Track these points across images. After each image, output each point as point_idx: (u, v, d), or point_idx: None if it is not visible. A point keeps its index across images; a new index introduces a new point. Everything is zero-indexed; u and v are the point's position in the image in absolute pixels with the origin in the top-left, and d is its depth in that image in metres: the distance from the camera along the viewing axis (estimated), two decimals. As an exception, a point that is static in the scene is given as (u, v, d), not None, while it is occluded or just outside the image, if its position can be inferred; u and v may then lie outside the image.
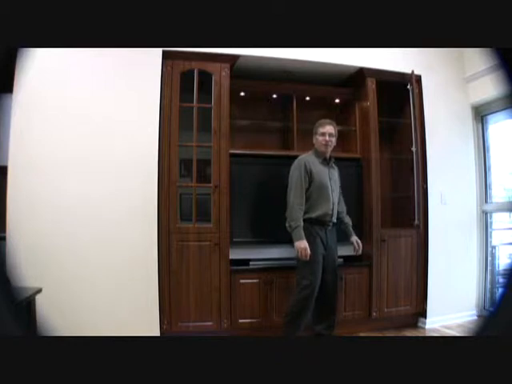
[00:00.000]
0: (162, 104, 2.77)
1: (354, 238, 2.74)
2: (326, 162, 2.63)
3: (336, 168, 2.73)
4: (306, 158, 2.58)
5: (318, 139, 2.61)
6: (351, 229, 2.78)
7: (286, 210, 2.52)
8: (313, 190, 2.54)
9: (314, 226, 2.52)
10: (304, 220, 2.49)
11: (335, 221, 2.63)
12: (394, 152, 3.48)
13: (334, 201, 2.60)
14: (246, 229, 2.99)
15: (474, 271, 3.43)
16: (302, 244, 2.42)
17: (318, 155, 2.62)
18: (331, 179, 2.62)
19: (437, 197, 3.29)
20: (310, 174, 2.53)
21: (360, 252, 2.77)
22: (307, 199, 2.53)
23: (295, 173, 2.54)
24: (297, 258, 2.51)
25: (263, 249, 3.00)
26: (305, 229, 2.47)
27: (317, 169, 2.57)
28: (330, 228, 2.59)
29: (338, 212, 2.69)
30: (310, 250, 2.44)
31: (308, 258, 2.42)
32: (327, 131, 2.59)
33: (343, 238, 2.77)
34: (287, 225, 2.50)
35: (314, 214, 2.52)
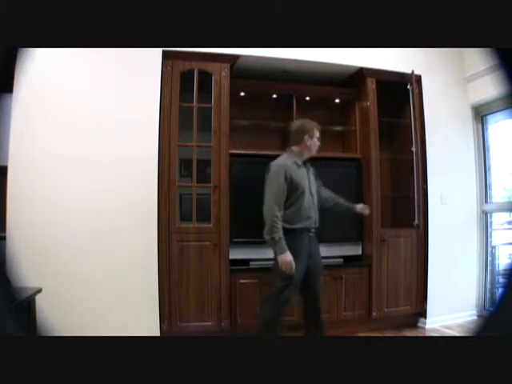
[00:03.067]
0: (162, 104, 2.77)
1: (358, 206, 2.64)
2: (304, 165, 2.46)
3: (311, 168, 2.54)
4: (286, 163, 2.37)
5: (315, 143, 2.46)
6: (347, 203, 2.65)
7: (265, 220, 2.31)
8: (295, 198, 2.35)
9: (298, 235, 2.34)
10: (288, 230, 2.31)
11: (317, 225, 2.46)
12: (394, 152, 3.48)
13: (316, 205, 2.46)
14: (246, 229, 2.99)
15: (474, 271, 3.43)
16: (288, 258, 2.24)
17: (297, 158, 2.41)
18: (310, 182, 2.45)
19: (437, 197, 3.29)
20: (290, 182, 2.33)
21: (368, 211, 2.68)
22: (289, 208, 2.34)
23: (274, 180, 2.32)
24: (275, 265, 2.34)
25: (263, 249, 2.99)
26: (289, 239, 2.29)
27: (297, 174, 2.37)
28: (312, 234, 2.42)
29: (326, 200, 2.58)
30: (295, 261, 2.26)
31: (293, 271, 2.25)
32: (319, 136, 2.49)
33: (344, 238, 2.76)
34: (267, 238, 2.28)
35: (299, 223, 2.34)
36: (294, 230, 2.33)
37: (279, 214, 2.28)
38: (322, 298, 2.51)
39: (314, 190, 2.46)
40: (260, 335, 2.32)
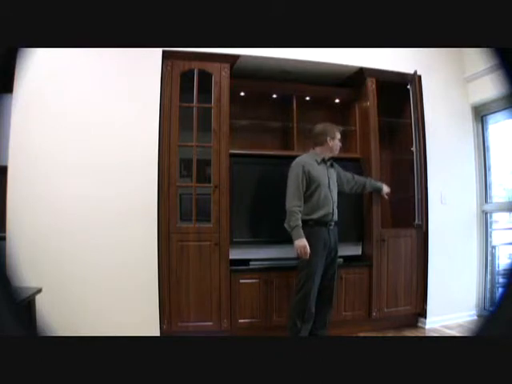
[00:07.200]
0: (162, 104, 2.76)
1: (384, 187, 3.00)
2: (324, 162, 2.66)
3: (334, 167, 2.76)
4: (304, 160, 2.61)
5: (336, 144, 2.68)
6: (374, 183, 3.00)
7: (286, 211, 2.54)
8: (312, 191, 2.56)
9: (315, 226, 2.54)
10: (306, 221, 2.52)
11: (336, 219, 2.64)
12: (394, 152, 3.48)
13: (334, 200, 2.63)
14: (246, 229, 2.99)
15: (473, 271, 3.42)
16: (301, 242, 2.45)
17: (317, 156, 2.64)
18: (330, 178, 2.65)
19: (437, 197, 3.29)
20: (308, 176, 2.55)
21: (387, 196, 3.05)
22: (307, 201, 2.55)
23: (293, 175, 2.56)
24: (298, 258, 2.53)
25: (263, 249, 3.00)
26: (307, 230, 2.50)
27: (315, 170, 2.59)
28: (332, 228, 2.60)
29: (354, 184, 2.89)
30: (311, 250, 2.47)
31: (308, 256, 2.45)
32: (340, 137, 2.72)
33: (344, 238, 2.77)
34: (286, 225, 2.52)
35: (315, 215, 2.54)
36: (312, 221, 2.53)
37: (297, 205, 2.50)
38: (332, 292, 2.66)
39: (333, 186, 2.67)
40: (292, 325, 2.52)
